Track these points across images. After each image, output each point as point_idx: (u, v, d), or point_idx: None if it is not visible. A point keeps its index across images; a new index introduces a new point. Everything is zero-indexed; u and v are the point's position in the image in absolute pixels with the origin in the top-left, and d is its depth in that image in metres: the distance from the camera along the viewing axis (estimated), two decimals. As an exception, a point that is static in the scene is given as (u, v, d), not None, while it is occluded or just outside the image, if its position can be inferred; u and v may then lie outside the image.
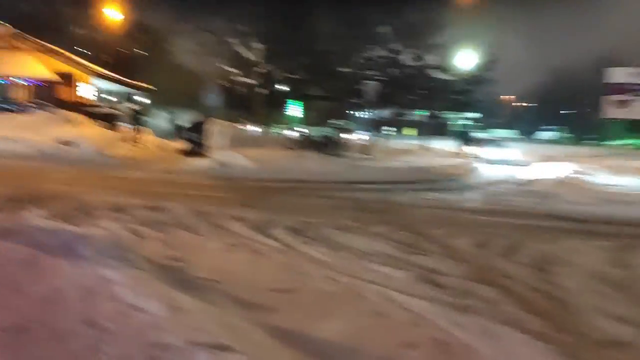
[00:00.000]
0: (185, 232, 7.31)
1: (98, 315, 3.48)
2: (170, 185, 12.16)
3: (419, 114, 27.09)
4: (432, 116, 25.74)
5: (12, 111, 21.59)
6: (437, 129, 26.59)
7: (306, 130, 23.99)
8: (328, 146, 18.39)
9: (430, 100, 22.34)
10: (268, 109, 26.03)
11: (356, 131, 22.70)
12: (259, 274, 5.50)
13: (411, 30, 21.36)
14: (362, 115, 26.38)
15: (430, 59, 21.67)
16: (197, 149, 17.51)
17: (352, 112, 24.33)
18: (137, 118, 21.65)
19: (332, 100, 24.73)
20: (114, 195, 9.70)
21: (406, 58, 21.05)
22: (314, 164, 16.37)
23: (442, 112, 25.33)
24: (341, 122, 22.02)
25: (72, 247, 5.25)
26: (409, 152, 21.79)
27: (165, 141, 21.46)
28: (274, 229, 7.91)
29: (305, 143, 19.52)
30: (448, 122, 31.54)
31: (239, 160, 16.13)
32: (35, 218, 6.38)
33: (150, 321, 3.44)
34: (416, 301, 4.96)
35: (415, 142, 24.78)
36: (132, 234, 6.40)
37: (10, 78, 25.04)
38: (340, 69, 21.09)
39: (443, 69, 21.82)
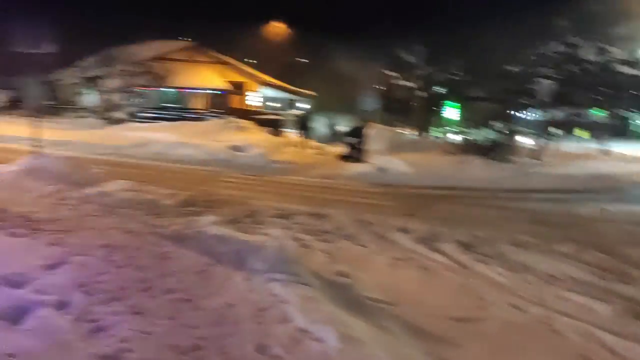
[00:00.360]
0: (348, 242, 7.06)
1: (269, 340, 3.27)
2: (331, 190, 12.15)
3: (596, 114, 24.16)
4: (613, 116, 22.68)
5: (191, 119, 23.69)
6: (617, 130, 23.46)
7: (467, 134, 22.76)
8: (494, 151, 17.07)
9: (615, 98, 19.68)
10: (426, 112, 25.17)
11: (523, 134, 20.86)
12: (433, 297, 4.98)
13: (592, 21, 19.03)
14: (528, 117, 24.25)
15: (615, 52, 19.08)
16: (355, 154, 17.44)
17: (516, 113, 22.43)
18: (303, 124, 22.24)
19: (495, 101, 23.06)
20: (279, 200, 9.87)
21: (586, 52, 18.75)
22: (478, 170, 15.30)
23: (628, 111, 22.19)
24: (506, 125, 20.36)
25: (242, 257, 5.24)
26: (586, 156, 19.41)
27: (325, 146, 21.84)
28: (441, 242, 7.32)
29: (468, 147, 18.39)
30: (631, 123, 27.73)
31: (398, 165, 15.68)
32: (208, 224, 6.58)
33: (323, 352, 3.13)
34: (631, 345, 4.05)
35: (591, 145, 22.02)
36: (298, 243, 6.30)
37: (190, 89, 27.59)
38: (507, 68, 19.51)
39: (631, 63, 19.06)
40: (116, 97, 24.79)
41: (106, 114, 24.60)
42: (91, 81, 27.18)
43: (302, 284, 4.54)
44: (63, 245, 5.05)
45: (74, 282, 3.97)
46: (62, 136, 17.87)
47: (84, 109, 27.09)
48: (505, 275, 5.98)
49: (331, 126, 26.85)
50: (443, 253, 6.80)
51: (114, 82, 25.02)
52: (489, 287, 5.50)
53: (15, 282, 3.62)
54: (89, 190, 7.96)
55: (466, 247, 7.09)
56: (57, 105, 28.67)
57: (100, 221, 6.51)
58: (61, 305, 3.43)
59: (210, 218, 7.13)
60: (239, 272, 4.79)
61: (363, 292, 4.73)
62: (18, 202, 6.93)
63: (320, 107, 33.32)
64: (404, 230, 7.92)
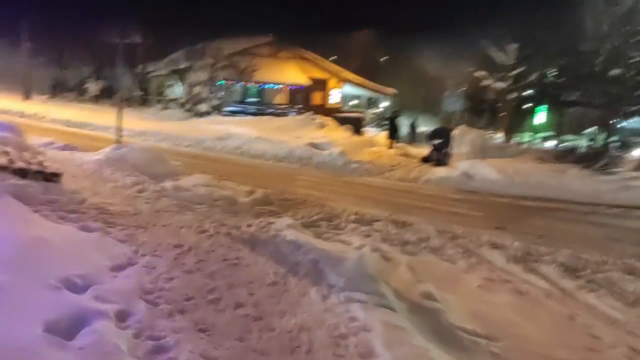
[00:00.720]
0: (434, 256, 6.44)
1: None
2: (412, 195, 11.47)
3: None
4: None
5: (272, 114, 23.69)
6: None
7: (563, 140, 21.16)
8: (594, 160, 15.60)
9: None
10: (515, 114, 23.66)
11: (627, 143, 19.05)
12: (537, 332, 4.28)
13: None
14: (633, 125, 22.19)
15: None
16: (439, 157, 16.59)
17: (620, 120, 20.48)
18: (392, 124, 21.28)
19: (595, 106, 21.20)
20: (358, 203, 9.36)
21: None
22: (576, 181, 13.97)
23: None
24: (608, 132, 18.68)
25: (319, 268, 4.78)
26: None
27: (406, 147, 21.05)
28: (540, 263, 6.53)
29: (563, 155, 16.99)
30: None
31: (485, 171, 14.66)
32: (284, 227, 6.19)
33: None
34: None
35: None
36: (380, 255, 5.75)
37: (272, 84, 27.71)
38: (612, 72, 17.76)
39: None
40: (201, 90, 25.29)
41: (191, 106, 25.16)
42: (179, 74, 27.96)
43: (386, 307, 4.01)
44: (134, 243, 4.82)
45: (139, 287, 3.67)
46: (147, 126, 18.37)
47: (171, 100, 27.92)
48: (620, 310, 5.14)
49: (412, 127, 25.93)
50: (543, 276, 6.02)
51: (200, 75, 25.53)
52: (602, 323, 4.70)
53: (77, 286, 3.35)
54: (167, 184, 7.83)
55: (569, 270, 6.26)
56: (146, 96, 29.87)
57: (174, 217, 6.30)
58: (121, 317, 3.11)
59: (287, 220, 6.75)
60: (315, 286, 4.34)
61: (455, 321, 4.11)
62: (97, 192, 6.87)
63: (401, 106, 32.55)
64: (496, 246, 7.18)
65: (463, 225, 8.32)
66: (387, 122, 22.54)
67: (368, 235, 6.99)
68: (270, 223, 6.58)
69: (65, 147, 10.95)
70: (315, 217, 7.66)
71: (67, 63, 33.16)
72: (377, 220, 7.90)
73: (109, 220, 5.56)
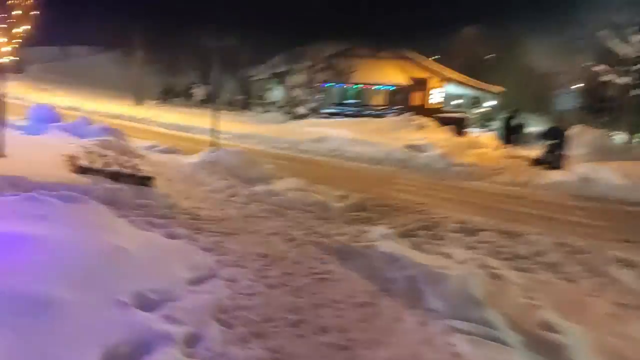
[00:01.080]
0: (551, 275, 5.58)
1: None
2: (522, 202, 10.43)
3: None
4: None
5: (370, 116, 23.22)
6: None
7: None
8: None
9: None
10: (638, 113, 21.25)
11: None
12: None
13: None
14: None
15: None
16: (552, 159, 15.13)
17: None
18: (507, 126, 19.53)
19: None
20: (460, 210, 8.60)
21: None
22: None
23: None
24: None
25: (417, 288, 4.22)
26: None
27: (514, 148, 19.57)
28: (685, 288, 5.45)
29: None
30: None
31: (607, 175, 13.09)
32: (379, 237, 5.68)
33: None
34: None
35: None
36: (487, 272, 5.05)
37: (370, 85, 27.24)
38: None
39: None
40: (300, 93, 25.43)
41: (289, 109, 25.38)
42: (278, 77, 28.36)
43: (497, 340, 3.36)
44: (218, 252, 4.56)
45: (215, 305, 3.34)
46: (246, 129, 18.65)
47: (270, 103, 28.40)
48: None
49: (521, 126, 24.16)
50: (690, 304, 4.97)
51: (298, 78, 25.70)
52: None
53: (149, 302, 3.08)
54: (259, 188, 7.62)
55: None
56: (247, 100, 30.68)
57: (263, 224, 6.01)
58: (190, 342, 2.78)
59: (382, 229, 6.23)
60: (411, 310, 3.78)
61: (584, 363, 3.36)
62: (189, 196, 6.79)
63: (508, 105, 30.67)
64: (626, 263, 6.14)
65: (585, 237, 7.29)
66: (500, 124, 20.65)
67: (473, 248, 6.28)
68: (364, 232, 6.10)
69: (167, 150, 11.24)
70: (413, 226, 7.05)
71: (175, 70, 34.97)
72: (483, 230, 7.12)
73: (196, 226, 5.38)
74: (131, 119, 21.18)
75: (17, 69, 34.36)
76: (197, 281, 3.75)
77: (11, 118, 12.25)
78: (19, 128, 9.18)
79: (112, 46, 36.90)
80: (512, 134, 19.30)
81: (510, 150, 18.58)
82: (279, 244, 5.26)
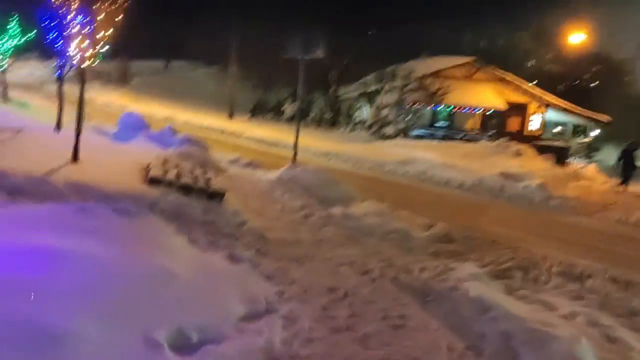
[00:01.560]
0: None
1: None
2: (636, 244, 9.11)
3: None
4: None
5: (461, 139, 22.11)
6: None
7: None
8: None
9: None
10: None
11: None
12: None
13: None
14: None
15: None
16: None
17: None
18: (625, 159, 16.68)
19: None
20: (562, 248, 7.55)
21: None
22: None
23: None
24: None
25: (512, 347, 3.46)
26: None
27: (625, 183, 17.63)
28: None
29: None
30: None
31: None
32: (467, 276, 4.92)
33: None
34: None
35: None
36: (600, 333, 4.15)
37: (463, 108, 26.06)
38: None
39: None
40: (389, 113, 24.80)
41: (377, 129, 24.81)
42: (368, 96, 27.93)
43: None
44: (280, 282, 4.06)
45: (264, 352, 2.81)
46: (332, 147, 18.28)
47: (358, 122, 27.99)
48: None
49: (632, 159, 21.84)
50: None
51: (388, 98, 25.10)
52: None
53: (187, 344, 2.61)
54: (336, 210, 7.07)
55: None
56: (335, 118, 30.51)
57: (337, 251, 5.45)
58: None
59: (471, 266, 5.46)
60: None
61: None
62: (261, 214, 6.39)
63: (613, 135, 28.21)
64: None
65: None
66: (618, 157, 17.65)
67: (579, 298, 5.33)
68: (449, 268, 5.35)
69: (249, 164, 11.04)
70: (507, 265, 6.18)
71: (269, 86, 35.65)
72: (592, 276, 6.12)
73: (262, 249, 4.93)
74: (222, 131, 21.58)
75: (122, 80, 36.66)
76: (251, 317, 3.25)
77: (106, 125, 12.79)
78: (108, 135, 9.33)
79: (211, 62, 38.41)
80: (632, 168, 16.76)
81: (619, 184, 16.77)
82: (352, 276, 4.67)
